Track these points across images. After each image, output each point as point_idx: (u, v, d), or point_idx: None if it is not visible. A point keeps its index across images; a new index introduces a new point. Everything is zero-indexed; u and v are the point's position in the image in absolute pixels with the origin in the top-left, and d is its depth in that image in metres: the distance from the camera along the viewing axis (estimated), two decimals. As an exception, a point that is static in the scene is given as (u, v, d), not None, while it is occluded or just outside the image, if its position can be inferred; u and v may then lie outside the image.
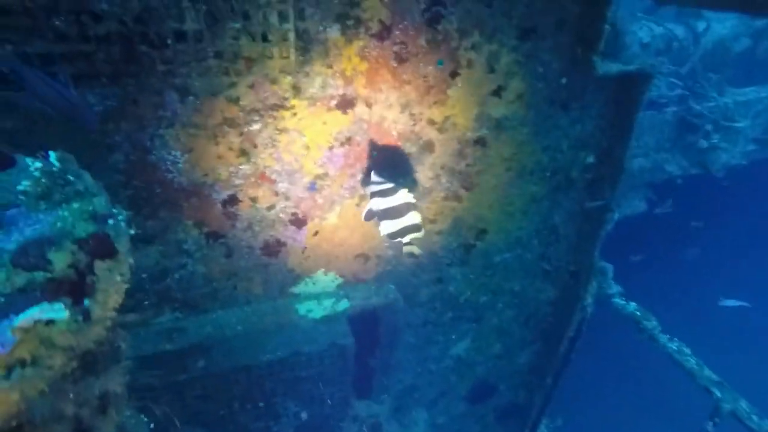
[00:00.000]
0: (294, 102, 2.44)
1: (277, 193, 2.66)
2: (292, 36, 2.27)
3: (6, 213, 1.07)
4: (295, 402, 3.36)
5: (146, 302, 2.68)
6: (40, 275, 1.04)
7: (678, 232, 7.80)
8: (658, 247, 7.76)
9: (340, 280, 3.16)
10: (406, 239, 2.58)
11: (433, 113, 2.76)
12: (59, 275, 1.06)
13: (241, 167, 2.51)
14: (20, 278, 1.02)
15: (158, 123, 2.27)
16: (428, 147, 2.87)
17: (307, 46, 2.32)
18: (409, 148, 2.82)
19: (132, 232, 1.22)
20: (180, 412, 2.82)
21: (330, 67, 2.41)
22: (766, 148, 6.38)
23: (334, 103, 2.51)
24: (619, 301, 3.66)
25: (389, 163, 2.77)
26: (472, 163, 3.04)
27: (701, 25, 6.03)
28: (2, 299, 0.99)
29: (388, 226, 2.55)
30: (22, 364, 0.97)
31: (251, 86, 2.33)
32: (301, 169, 2.64)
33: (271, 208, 2.70)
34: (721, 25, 6.41)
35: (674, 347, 3.34)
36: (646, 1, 6.06)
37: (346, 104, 2.54)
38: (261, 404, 3.24)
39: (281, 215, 2.75)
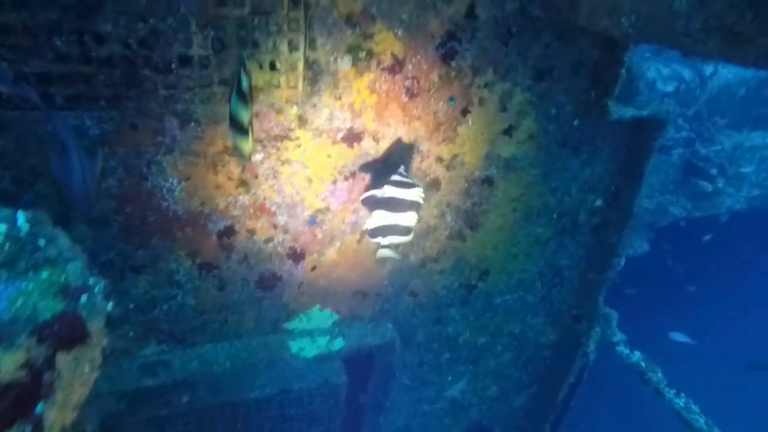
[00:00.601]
0: (299, 133, 2.35)
1: (275, 226, 2.55)
2: (301, 66, 2.19)
3: None
4: (281, 442, 3.21)
5: (131, 333, 2.54)
6: None
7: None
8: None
9: (336, 317, 3.03)
10: (386, 240, 2.42)
11: (442, 150, 2.68)
12: (6, 380, 0.88)
13: (239, 198, 2.41)
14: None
15: (156, 149, 2.17)
16: (434, 184, 2.78)
17: (316, 76, 2.24)
18: (415, 185, 2.72)
19: (110, 306, 1.08)
20: (159, 452, 2.66)
21: (339, 99, 2.33)
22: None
23: (340, 136, 2.42)
24: (623, 349, 3.54)
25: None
26: (479, 202, 2.94)
27: (708, 69, 6.04)
28: None
29: (378, 218, 2.37)
30: None
31: (256, 115, 2.23)
32: (302, 202, 2.53)
33: (268, 240, 2.58)
34: (726, 70, 6.43)
35: (681, 403, 3.21)
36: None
37: (352, 138, 2.45)
38: (246, 444, 3.08)
39: (279, 249, 2.63)
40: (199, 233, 2.44)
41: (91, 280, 1.03)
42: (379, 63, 2.31)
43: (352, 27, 2.18)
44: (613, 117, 2.84)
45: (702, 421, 3.09)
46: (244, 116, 1.88)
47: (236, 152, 1.97)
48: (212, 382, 2.82)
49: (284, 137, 2.33)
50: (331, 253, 2.76)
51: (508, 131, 2.77)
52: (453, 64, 2.44)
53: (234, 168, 2.32)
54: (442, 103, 2.54)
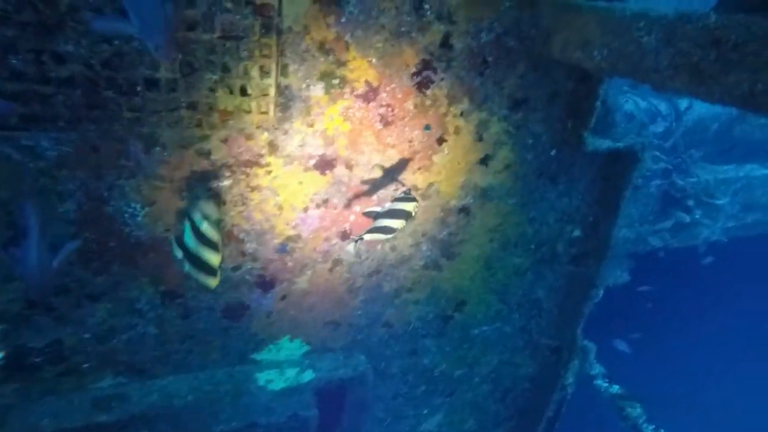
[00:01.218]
0: (270, 159, 2.29)
1: (244, 254, 2.46)
2: (272, 91, 2.14)
3: None
4: (246, 481, 3.04)
5: (85, 365, 2.41)
6: None
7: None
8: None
9: (306, 348, 2.92)
10: (368, 236, 2.26)
11: (417, 179, 2.64)
12: None
13: (206, 224, 2.32)
14: None
15: (119, 172, 2.09)
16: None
17: (288, 102, 2.20)
18: (390, 213, 2.66)
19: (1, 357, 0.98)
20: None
21: (311, 125, 2.28)
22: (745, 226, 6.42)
23: (312, 162, 2.37)
24: (601, 383, 3.47)
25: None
26: (455, 231, 2.90)
27: (683, 103, 6.17)
28: None
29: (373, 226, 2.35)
30: None
31: (224, 140, 2.17)
32: (272, 230, 2.46)
33: (236, 268, 2.49)
34: (699, 104, 6.58)
35: (659, 440, 3.14)
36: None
37: (325, 165, 2.40)
38: (208, 483, 2.91)
39: (247, 277, 2.54)
40: (163, 260, 2.34)
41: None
42: (352, 90, 2.28)
43: (325, 54, 2.14)
44: (590, 148, 2.84)
45: (680, 459, 3.01)
46: (210, 256, 2.00)
47: (197, 283, 2.07)
48: (173, 416, 2.67)
49: (254, 163, 2.27)
50: (302, 282, 2.68)
51: (484, 160, 2.74)
52: (428, 92, 2.42)
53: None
54: (417, 131, 2.51)
